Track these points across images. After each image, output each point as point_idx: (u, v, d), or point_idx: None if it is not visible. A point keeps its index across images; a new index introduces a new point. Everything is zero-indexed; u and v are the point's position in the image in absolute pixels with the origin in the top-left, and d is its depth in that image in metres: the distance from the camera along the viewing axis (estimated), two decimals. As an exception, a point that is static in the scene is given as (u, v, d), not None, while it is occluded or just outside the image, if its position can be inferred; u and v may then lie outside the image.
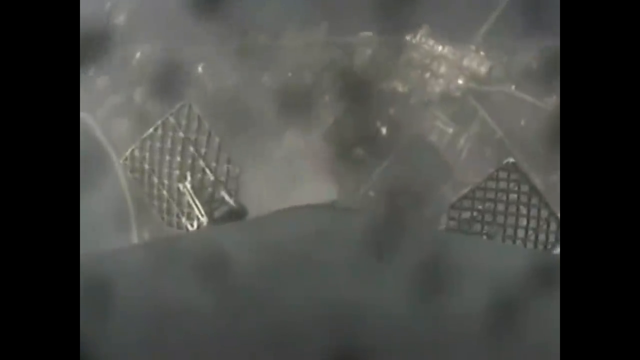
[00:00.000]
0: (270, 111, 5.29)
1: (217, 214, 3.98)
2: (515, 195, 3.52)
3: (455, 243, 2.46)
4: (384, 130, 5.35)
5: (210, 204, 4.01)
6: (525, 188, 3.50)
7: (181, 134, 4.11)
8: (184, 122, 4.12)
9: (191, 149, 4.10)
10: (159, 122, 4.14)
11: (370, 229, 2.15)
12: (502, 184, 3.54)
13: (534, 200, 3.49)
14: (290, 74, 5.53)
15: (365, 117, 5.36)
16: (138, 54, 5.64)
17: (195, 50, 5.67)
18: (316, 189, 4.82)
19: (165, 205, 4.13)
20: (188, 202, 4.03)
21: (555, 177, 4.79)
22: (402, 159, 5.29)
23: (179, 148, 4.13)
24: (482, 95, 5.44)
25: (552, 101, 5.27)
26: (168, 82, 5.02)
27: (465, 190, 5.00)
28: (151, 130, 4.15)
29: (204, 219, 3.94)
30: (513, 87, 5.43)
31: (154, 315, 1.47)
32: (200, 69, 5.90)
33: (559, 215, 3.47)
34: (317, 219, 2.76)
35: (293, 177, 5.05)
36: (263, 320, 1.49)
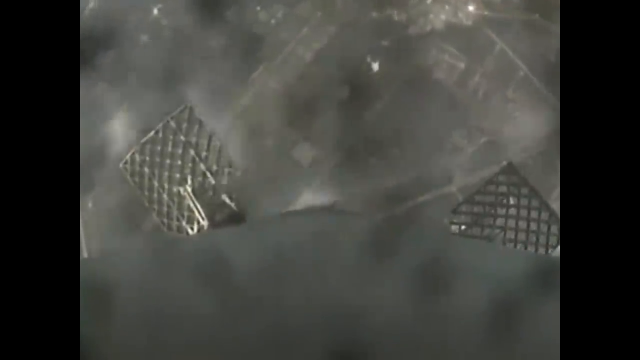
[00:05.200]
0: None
1: (217, 217, 3.98)
2: (515, 198, 3.53)
3: (456, 245, 2.47)
4: (375, 66, 4.45)
5: (211, 207, 4.02)
6: (525, 191, 3.51)
7: (182, 138, 4.13)
8: (184, 126, 4.14)
9: (192, 152, 4.11)
10: (160, 125, 4.15)
11: (371, 230, 2.15)
12: (502, 187, 3.55)
13: (534, 203, 3.49)
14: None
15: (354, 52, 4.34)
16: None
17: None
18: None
19: (165, 209, 4.14)
20: (189, 206, 4.04)
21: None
22: (399, 99, 4.36)
23: (180, 151, 4.14)
24: (500, 24, 4.52)
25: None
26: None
27: (483, 140, 4.23)
28: (152, 133, 4.16)
29: (205, 222, 3.95)
30: (537, 15, 4.49)
31: (154, 317, 1.47)
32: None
33: (559, 217, 3.48)
34: (317, 221, 2.76)
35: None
36: (263, 322, 1.49)
